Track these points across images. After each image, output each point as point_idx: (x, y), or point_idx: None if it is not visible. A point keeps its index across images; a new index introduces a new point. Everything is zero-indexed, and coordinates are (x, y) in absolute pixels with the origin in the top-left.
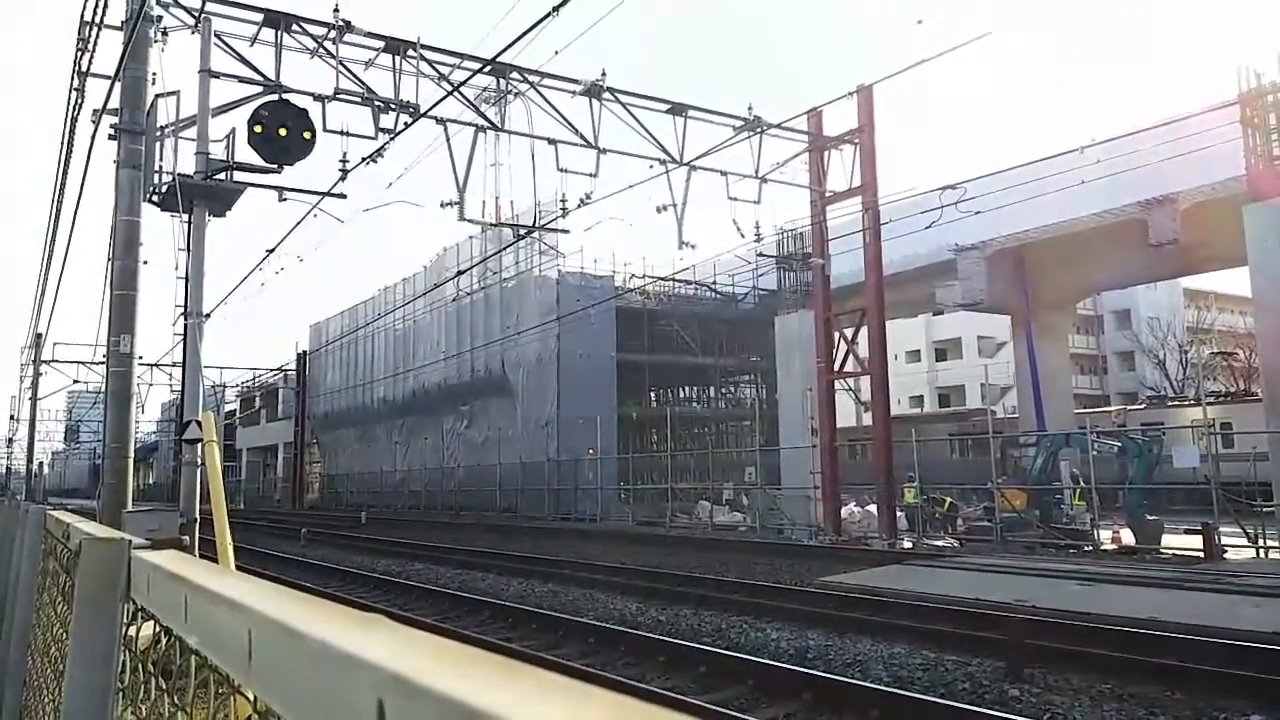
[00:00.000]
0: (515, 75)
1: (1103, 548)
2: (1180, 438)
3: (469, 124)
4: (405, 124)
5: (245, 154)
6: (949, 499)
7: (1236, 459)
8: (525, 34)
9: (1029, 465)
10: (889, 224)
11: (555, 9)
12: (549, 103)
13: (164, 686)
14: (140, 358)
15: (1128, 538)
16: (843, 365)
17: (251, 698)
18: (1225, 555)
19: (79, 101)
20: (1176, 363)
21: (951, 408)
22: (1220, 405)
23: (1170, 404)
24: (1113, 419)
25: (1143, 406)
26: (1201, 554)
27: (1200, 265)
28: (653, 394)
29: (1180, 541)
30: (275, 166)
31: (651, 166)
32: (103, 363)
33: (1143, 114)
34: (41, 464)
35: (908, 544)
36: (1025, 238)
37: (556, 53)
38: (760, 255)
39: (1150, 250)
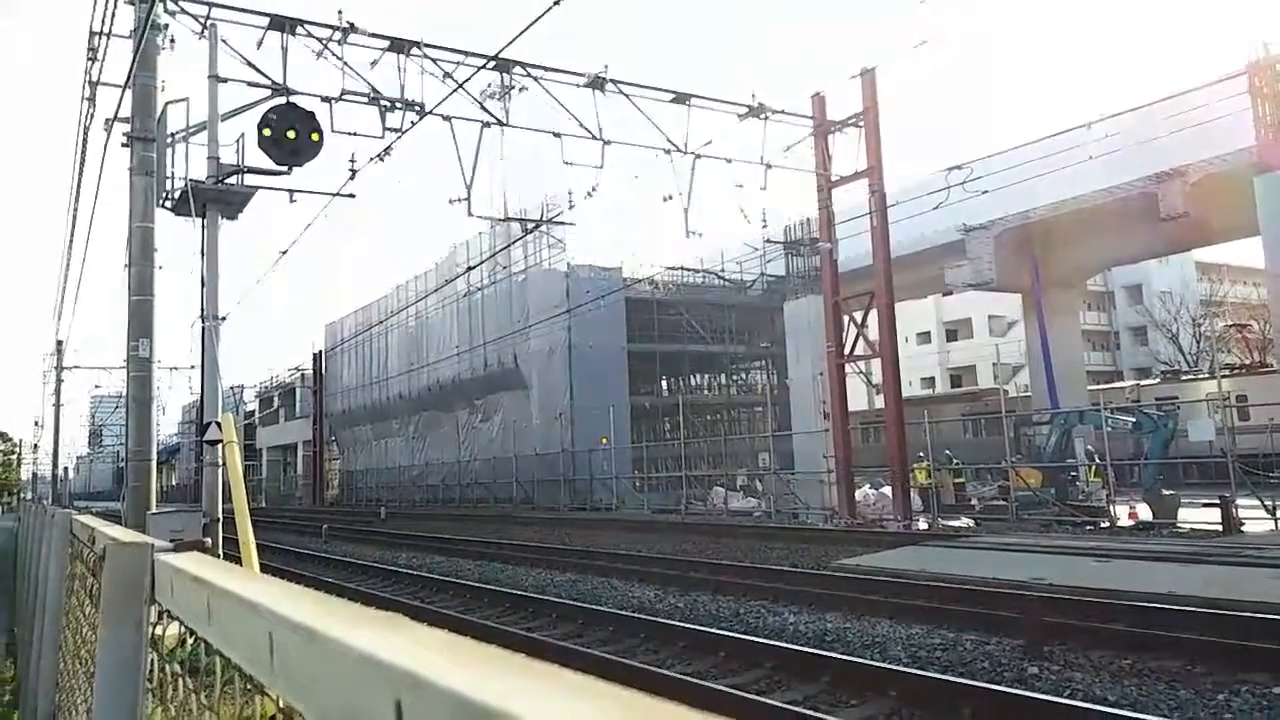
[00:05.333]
0: (519, 70)
1: (1119, 524)
2: (1195, 412)
3: (474, 120)
4: (412, 122)
5: (255, 157)
6: (964, 478)
7: (1253, 431)
8: (528, 28)
9: (1043, 443)
10: (896, 205)
11: (556, 0)
12: (553, 96)
13: (191, 686)
14: (159, 362)
15: (1144, 513)
16: (853, 349)
17: (275, 697)
18: (1243, 528)
19: (91, 111)
20: (1190, 336)
21: (964, 388)
22: (1235, 378)
23: (1184, 378)
24: (1127, 395)
25: (1157, 381)
26: (1219, 527)
27: (1212, 238)
28: (664, 382)
29: (1198, 516)
30: (285, 168)
31: (657, 156)
32: (123, 367)
33: (1148, 89)
34: (66, 468)
35: (923, 525)
36: (1034, 215)
37: (559, 46)
38: (767, 241)
39: (1161, 224)
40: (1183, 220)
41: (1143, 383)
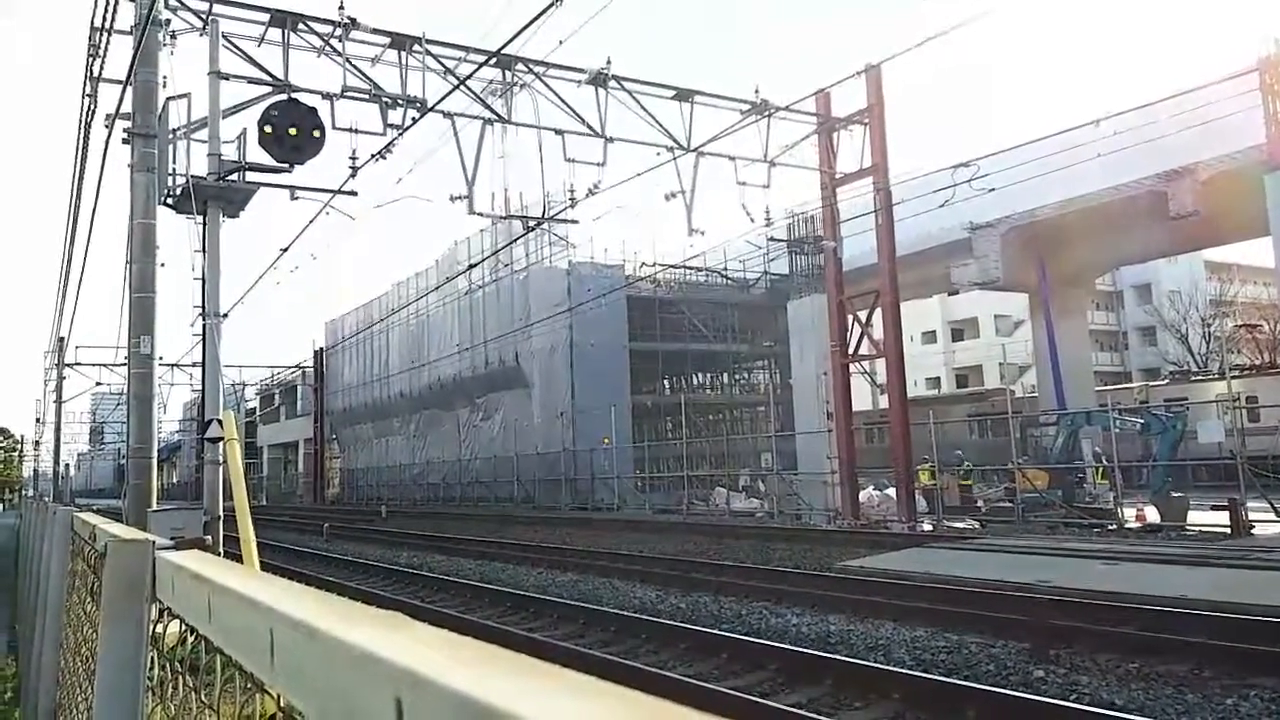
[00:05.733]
0: (520, 67)
1: (1127, 526)
2: (1204, 413)
3: (476, 117)
4: (413, 119)
5: (256, 154)
6: (971, 480)
7: (1262, 433)
8: (529, 24)
9: (1050, 444)
10: (901, 204)
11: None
12: (555, 93)
13: (191, 684)
14: (160, 359)
15: (1152, 516)
16: (857, 348)
17: (276, 695)
18: (1253, 530)
19: (92, 107)
20: (1199, 337)
21: (969, 388)
22: (1245, 379)
23: (1194, 379)
24: (1135, 396)
25: (1165, 382)
26: (1228, 530)
27: (1222, 237)
28: (666, 382)
29: (1206, 518)
30: (286, 166)
31: (659, 154)
32: (124, 364)
33: (1155, 87)
34: (68, 466)
35: (928, 526)
36: (1041, 214)
37: (561, 42)
38: (771, 240)
39: (1171, 223)
40: (1192, 219)
41: (1151, 383)
